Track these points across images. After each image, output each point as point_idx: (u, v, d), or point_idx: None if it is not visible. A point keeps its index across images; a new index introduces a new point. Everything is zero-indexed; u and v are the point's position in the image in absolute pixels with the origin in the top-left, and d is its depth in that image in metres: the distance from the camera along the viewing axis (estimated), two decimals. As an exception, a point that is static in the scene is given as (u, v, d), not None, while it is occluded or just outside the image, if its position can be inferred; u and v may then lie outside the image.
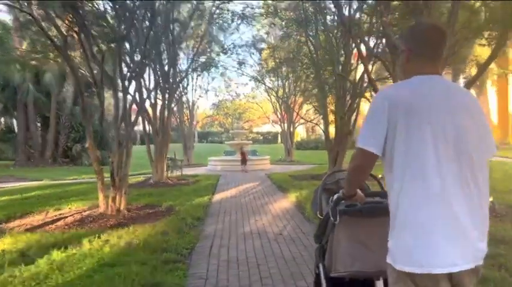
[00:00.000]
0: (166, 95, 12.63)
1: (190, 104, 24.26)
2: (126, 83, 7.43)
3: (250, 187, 11.68)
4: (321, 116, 13.80)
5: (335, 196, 2.12)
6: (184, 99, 23.75)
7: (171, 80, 12.72)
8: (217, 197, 9.66)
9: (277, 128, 57.99)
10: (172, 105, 13.56)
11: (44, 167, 21.96)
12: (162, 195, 9.81)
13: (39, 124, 24.62)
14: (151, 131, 12.36)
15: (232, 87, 28.36)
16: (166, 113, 12.63)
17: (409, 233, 1.46)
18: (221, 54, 19.93)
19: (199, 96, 25.06)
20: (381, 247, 1.62)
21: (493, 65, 16.14)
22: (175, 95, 14.74)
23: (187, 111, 24.45)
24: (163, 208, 8.08)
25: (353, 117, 12.80)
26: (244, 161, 17.35)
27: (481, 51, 13.29)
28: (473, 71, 14.27)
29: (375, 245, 1.98)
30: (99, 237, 5.62)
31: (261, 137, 51.60)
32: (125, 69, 8.01)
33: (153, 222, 6.67)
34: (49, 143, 23.37)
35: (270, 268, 4.34)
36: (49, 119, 23.37)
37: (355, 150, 1.61)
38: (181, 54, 20.44)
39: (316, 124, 13.32)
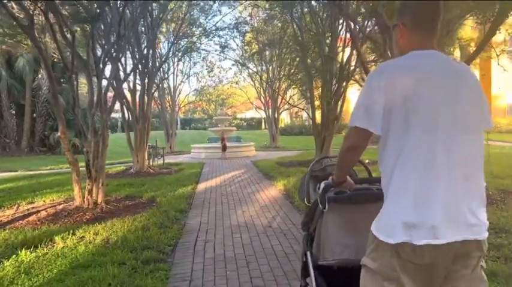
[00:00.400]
0: (146, 80, 12.03)
1: (172, 89, 23.54)
2: (101, 66, 6.87)
3: (236, 175, 11.30)
4: (307, 101, 13.40)
5: (322, 183, 2.08)
6: (165, 85, 23.05)
7: (150, 64, 12.10)
8: (202, 186, 9.25)
9: (261, 114, 57.86)
10: (153, 90, 12.94)
11: (20, 156, 21.09)
12: (143, 185, 9.35)
13: (13, 112, 23.57)
14: (130, 118, 11.78)
15: (215, 72, 27.66)
16: (146, 98, 12.05)
17: (398, 203, 1.43)
18: (203, 37, 19.31)
19: (181, 81, 24.36)
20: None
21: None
22: (156, 80, 14.13)
23: (169, 98, 23.76)
24: (145, 200, 7.64)
25: (339, 103, 12.47)
26: (224, 147, 16.92)
27: (465, 33, 13.08)
28: (457, 53, 14.07)
29: (365, 232, 1.86)
30: (73, 234, 5.18)
31: (245, 123, 51.12)
32: (100, 53, 7.45)
33: (133, 215, 6.25)
34: (25, 131, 22.43)
35: (261, 265, 3.99)
36: (24, 106, 22.39)
37: (348, 130, 1.56)
38: (162, 38, 19.82)
39: (302, 109, 12.94)
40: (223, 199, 7.57)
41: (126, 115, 11.83)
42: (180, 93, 24.63)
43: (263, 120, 53.28)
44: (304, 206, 2.53)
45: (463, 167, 1.44)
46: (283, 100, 23.27)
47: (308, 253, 2.30)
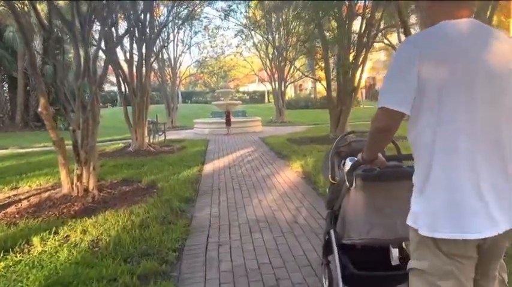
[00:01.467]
0: (144, 49, 10.83)
1: (172, 61, 22.22)
2: (87, 27, 5.72)
3: (245, 153, 10.28)
4: (322, 71, 12.23)
5: (348, 160, 2.22)
6: (165, 55, 21.74)
7: (147, 30, 10.86)
8: (208, 168, 8.24)
9: (266, 87, 56.32)
10: (151, 60, 11.73)
11: (14, 132, 20.13)
12: (143, 166, 8.37)
13: (6, 85, 22.42)
14: (127, 91, 10.65)
15: (217, 42, 26.20)
16: (144, 69, 10.89)
17: (441, 196, 1.30)
18: (204, 5, 17.89)
19: (182, 52, 23.00)
20: (400, 213, 1.51)
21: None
22: (154, 49, 12.91)
23: (170, 70, 22.49)
24: (144, 185, 6.66)
25: (358, 73, 11.30)
26: (228, 122, 15.84)
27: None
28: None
29: (394, 211, 1.88)
30: (56, 233, 4.21)
31: (248, 97, 49.74)
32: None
33: (130, 206, 5.28)
34: (18, 105, 21.35)
35: (295, 284, 3.01)
36: (17, 79, 21.20)
37: (377, 110, 1.38)
38: (161, 6, 18.39)
39: (316, 80, 11.71)
40: (235, 184, 6.57)
41: (123, 88, 10.68)
42: (180, 64, 23.32)
43: (266, 93, 51.98)
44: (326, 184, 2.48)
45: (503, 158, 1.32)
46: (290, 72, 21.99)
47: (332, 231, 2.24)
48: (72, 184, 5.79)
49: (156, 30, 11.74)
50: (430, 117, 1.32)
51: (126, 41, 11.11)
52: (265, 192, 5.94)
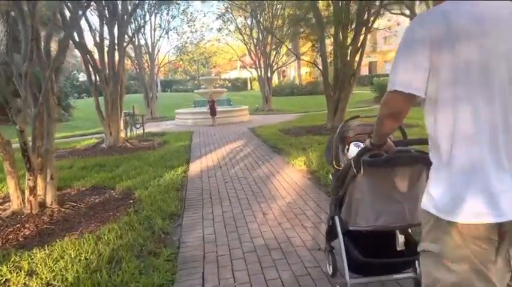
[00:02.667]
0: (116, 31, 9.45)
1: (150, 47, 20.67)
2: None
3: (236, 148, 9.11)
4: (318, 53, 11.06)
5: (351, 145, 2.30)
6: (142, 41, 20.20)
7: (119, 11, 9.47)
8: (195, 168, 7.05)
9: (246, 74, 54.69)
10: (125, 44, 10.31)
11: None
12: (118, 167, 7.14)
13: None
14: (98, 80, 9.29)
15: (197, 27, 24.67)
16: (117, 55, 9.54)
17: (462, 179, 1.22)
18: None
19: (160, 37, 21.43)
20: (409, 198, 1.60)
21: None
22: (129, 32, 11.50)
23: (147, 56, 20.94)
24: (118, 193, 5.46)
25: (358, 55, 10.20)
26: (213, 112, 14.56)
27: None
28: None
29: (402, 197, 1.87)
30: (-12, 278, 3.01)
31: (230, 84, 48.28)
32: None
33: (98, 226, 4.10)
34: (-19, 98, 19.51)
35: None
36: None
37: (386, 94, 1.33)
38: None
39: (312, 63, 10.54)
40: (229, 190, 5.41)
41: (93, 76, 9.30)
42: (159, 51, 21.76)
43: (249, 80, 50.65)
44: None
45: None
46: (277, 57, 20.77)
47: (336, 218, 2.21)
48: (23, 198, 4.54)
49: (129, 9, 10.31)
50: (448, 100, 1.23)
51: (95, 22, 9.64)
52: (268, 201, 4.80)
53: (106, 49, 9.46)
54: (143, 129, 11.81)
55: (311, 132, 10.35)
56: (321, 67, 10.83)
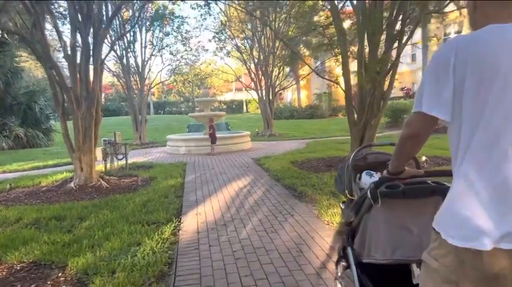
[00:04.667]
0: (91, 41, 7.56)
1: (140, 64, 18.81)
2: None
3: (242, 189, 7.09)
4: (341, 72, 9.18)
5: (363, 174, 2.31)
6: (131, 59, 18.36)
7: (96, 16, 7.59)
8: (189, 225, 5.00)
9: (241, 96, 52.94)
10: (103, 55, 8.30)
11: None
12: (82, 221, 5.13)
13: None
14: (66, 100, 7.30)
15: (192, 46, 22.90)
16: (92, 71, 7.62)
17: (467, 199, 1.22)
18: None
19: (151, 54, 19.59)
20: (426, 231, 1.45)
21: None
22: (107, 41, 9.60)
23: (137, 76, 19.06)
24: (66, 283, 3.41)
25: (389, 73, 8.36)
26: (213, 139, 12.55)
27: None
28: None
29: (419, 229, 1.82)
30: None
31: (225, 107, 46.53)
32: None
33: None
34: None
35: None
36: None
37: (410, 115, 1.37)
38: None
39: (335, 82, 8.73)
40: (244, 277, 3.37)
41: (60, 95, 7.31)
42: (150, 69, 19.91)
43: (245, 102, 48.96)
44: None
45: None
46: (280, 77, 19.04)
47: (349, 249, 2.15)
48: None
49: (110, 13, 8.44)
50: (469, 123, 1.24)
51: (67, 29, 7.73)
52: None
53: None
54: (126, 160, 9.77)
55: (332, 166, 8.42)
56: (342, 87, 8.96)
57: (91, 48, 7.45)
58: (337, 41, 8.68)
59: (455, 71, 1.22)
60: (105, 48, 8.94)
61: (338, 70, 9.53)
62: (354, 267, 2.08)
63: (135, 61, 18.77)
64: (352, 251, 2.13)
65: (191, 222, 5.07)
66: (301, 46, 20.81)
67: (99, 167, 9.56)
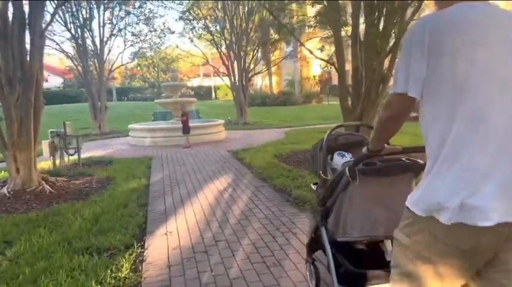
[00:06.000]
0: (26, 11, 5.94)
1: (98, 44, 16.86)
2: None
3: (222, 192, 5.77)
4: (333, 52, 7.92)
5: (335, 155, 2.35)
6: (88, 38, 16.41)
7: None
8: (156, 252, 3.64)
9: (209, 82, 51.00)
10: (44, 25, 6.55)
11: None
12: (8, 246, 3.73)
13: None
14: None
15: (156, 27, 20.92)
16: (29, 48, 6.01)
17: (445, 177, 1.21)
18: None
19: (111, 34, 17.60)
20: (401, 206, 1.41)
21: None
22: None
23: (96, 60, 17.11)
24: None
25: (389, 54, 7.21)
26: (186, 128, 11.07)
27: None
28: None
29: (397, 205, 1.73)
30: None
31: (192, 93, 44.57)
32: None
33: None
34: None
35: None
36: None
37: (390, 96, 1.38)
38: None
39: (331, 64, 7.55)
40: None
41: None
42: (110, 51, 17.96)
43: (213, 88, 47.18)
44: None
45: None
46: (254, 60, 17.69)
47: (323, 229, 2.17)
48: None
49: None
50: (445, 104, 1.23)
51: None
52: None
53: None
54: (79, 155, 8.20)
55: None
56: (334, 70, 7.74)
57: (26, 15, 5.82)
58: (330, 15, 7.39)
59: (429, 50, 1.23)
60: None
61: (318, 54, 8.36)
62: (328, 246, 2.08)
63: (93, 42, 16.82)
64: (326, 231, 2.13)
65: (159, 247, 3.73)
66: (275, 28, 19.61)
67: (45, 164, 7.97)
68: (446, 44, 1.21)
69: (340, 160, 2.30)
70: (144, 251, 3.63)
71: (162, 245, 3.78)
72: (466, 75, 1.19)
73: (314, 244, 2.40)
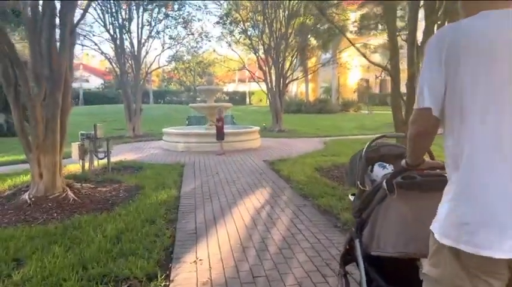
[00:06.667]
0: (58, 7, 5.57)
1: (136, 46, 16.74)
2: None
3: (259, 210, 5.12)
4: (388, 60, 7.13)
5: (376, 166, 2.22)
6: (126, 40, 16.33)
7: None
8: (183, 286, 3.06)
9: (243, 88, 50.77)
10: (75, 21, 6.15)
11: None
12: (17, 266, 3.24)
13: None
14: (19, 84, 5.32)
15: (194, 31, 20.68)
16: (58, 44, 5.63)
17: (470, 202, 1.17)
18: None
19: (149, 36, 17.47)
20: None
21: None
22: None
23: (133, 61, 16.99)
24: None
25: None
26: (221, 134, 10.56)
27: None
28: None
29: (431, 222, 1.57)
30: None
31: (227, 98, 44.39)
32: None
33: None
34: None
35: None
36: None
37: (415, 112, 1.31)
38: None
39: (385, 69, 6.84)
40: None
41: (12, 73, 5.33)
42: (147, 52, 17.84)
43: (248, 94, 46.90)
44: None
45: None
46: (292, 66, 17.05)
47: (357, 242, 2.08)
48: None
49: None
50: (457, 121, 1.21)
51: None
52: None
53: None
54: (108, 160, 7.81)
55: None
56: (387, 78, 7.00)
57: (57, 9, 5.45)
58: (386, 16, 6.66)
59: (447, 56, 1.19)
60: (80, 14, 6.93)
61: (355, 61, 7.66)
62: (361, 260, 2.01)
63: (131, 43, 16.74)
64: (360, 243, 2.05)
65: (187, 280, 3.12)
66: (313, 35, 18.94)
67: (74, 167, 7.63)
68: (464, 49, 1.18)
69: (381, 171, 2.18)
70: (169, 285, 3.03)
71: (191, 277, 3.17)
72: (474, 93, 1.16)
73: (347, 256, 2.31)
